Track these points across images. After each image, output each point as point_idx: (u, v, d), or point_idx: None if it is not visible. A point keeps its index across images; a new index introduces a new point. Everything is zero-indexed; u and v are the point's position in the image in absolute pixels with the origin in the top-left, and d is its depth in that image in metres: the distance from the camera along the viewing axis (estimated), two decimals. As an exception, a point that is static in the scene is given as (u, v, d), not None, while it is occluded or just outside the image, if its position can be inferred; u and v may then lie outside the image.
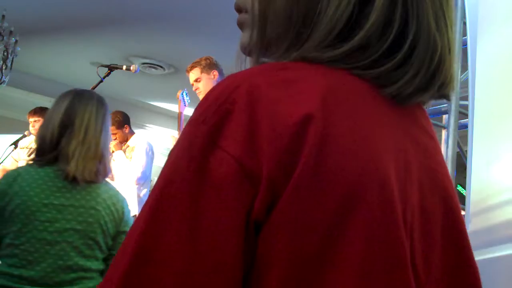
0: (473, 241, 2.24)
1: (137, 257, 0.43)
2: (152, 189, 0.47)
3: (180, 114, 3.46)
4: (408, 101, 0.54)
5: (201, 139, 0.45)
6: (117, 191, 1.86)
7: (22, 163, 4.32)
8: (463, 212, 2.66)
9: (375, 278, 0.46)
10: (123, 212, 1.81)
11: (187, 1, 4.53)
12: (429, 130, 0.59)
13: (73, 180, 1.70)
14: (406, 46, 0.51)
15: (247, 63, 0.61)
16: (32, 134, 4.38)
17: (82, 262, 1.69)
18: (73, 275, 1.67)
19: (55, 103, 1.82)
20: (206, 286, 0.43)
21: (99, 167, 1.76)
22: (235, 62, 0.62)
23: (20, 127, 4.91)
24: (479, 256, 2.30)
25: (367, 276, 0.45)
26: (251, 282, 0.45)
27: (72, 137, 1.72)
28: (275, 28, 0.54)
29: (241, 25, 0.61)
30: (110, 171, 1.84)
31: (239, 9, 0.61)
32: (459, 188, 3.24)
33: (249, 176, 0.44)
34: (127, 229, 1.81)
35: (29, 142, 4.42)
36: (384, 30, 0.51)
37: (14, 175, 1.69)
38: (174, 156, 0.47)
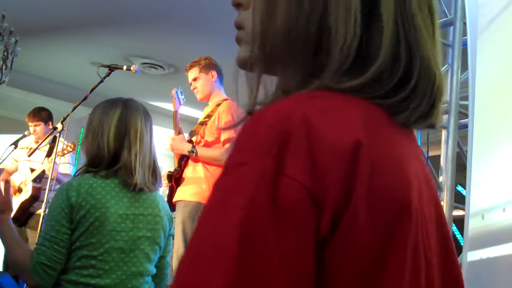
0: (473, 241, 2.25)
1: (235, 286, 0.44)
2: (223, 219, 0.47)
3: (175, 112, 3.46)
4: (411, 128, 0.60)
5: (269, 168, 0.47)
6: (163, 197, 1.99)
7: (22, 163, 4.32)
8: (462, 212, 2.65)
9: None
10: (171, 217, 1.93)
11: (187, 1, 4.53)
12: (417, 143, 0.64)
13: (138, 190, 1.78)
14: (413, 80, 0.56)
15: (248, 77, 0.64)
16: (33, 135, 4.38)
17: (149, 267, 1.79)
18: (141, 280, 1.76)
19: (102, 112, 1.83)
20: None
21: (154, 176, 1.84)
22: (232, 77, 0.65)
23: (20, 127, 4.91)
24: (479, 256, 2.30)
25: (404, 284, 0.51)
26: None
27: (130, 148, 1.78)
28: (276, 48, 0.58)
29: (239, 41, 0.64)
30: (161, 178, 1.92)
31: (238, 26, 0.64)
32: (459, 188, 3.24)
33: (315, 200, 0.47)
34: (173, 232, 1.96)
35: (29, 142, 4.42)
36: (393, 64, 0.56)
37: (85, 188, 1.70)
38: (243, 184, 0.47)
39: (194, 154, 3.22)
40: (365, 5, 0.56)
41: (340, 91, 0.54)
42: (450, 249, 0.63)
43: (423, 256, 0.54)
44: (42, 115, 4.39)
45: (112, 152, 1.76)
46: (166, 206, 1.92)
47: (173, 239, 2.00)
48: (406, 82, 0.56)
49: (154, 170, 1.84)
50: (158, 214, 1.82)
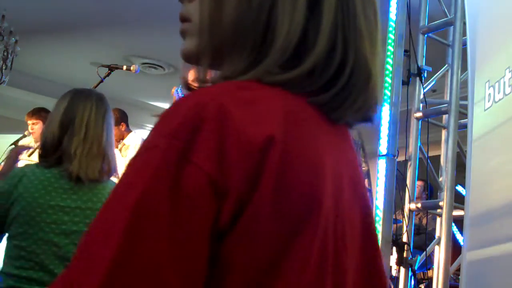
0: (472, 241, 2.23)
1: (116, 269, 0.44)
2: (121, 199, 0.47)
3: None
4: (342, 122, 0.61)
5: (175, 154, 0.47)
6: None
7: (22, 163, 4.32)
8: (462, 212, 2.65)
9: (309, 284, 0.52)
10: None
11: (187, 1, 4.52)
12: (350, 139, 0.65)
13: (78, 180, 1.70)
14: (345, 76, 0.57)
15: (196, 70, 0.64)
16: (31, 133, 4.38)
17: None
18: None
19: (56, 104, 1.82)
20: None
21: (103, 165, 1.76)
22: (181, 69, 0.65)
23: (20, 127, 4.90)
24: (479, 256, 2.29)
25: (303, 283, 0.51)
26: (211, 286, 0.48)
27: (73, 135, 1.72)
28: (225, 39, 0.58)
29: (184, 33, 0.63)
30: (116, 169, 1.83)
31: (183, 19, 0.63)
32: (459, 188, 3.23)
33: (218, 189, 0.47)
34: None
35: (29, 142, 4.41)
36: (327, 59, 0.57)
37: (19, 176, 1.68)
38: (147, 167, 0.48)
39: None
40: (309, 1, 0.57)
41: (271, 84, 0.55)
42: (375, 248, 0.65)
43: (333, 248, 0.55)
44: (42, 114, 4.39)
45: (56, 141, 1.72)
46: None
47: None
48: (340, 75, 0.57)
49: (104, 161, 1.76)
50: (100, 208, 1.74)
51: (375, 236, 0.65)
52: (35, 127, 4.37)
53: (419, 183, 3.71)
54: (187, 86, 0.61)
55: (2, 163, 4.27)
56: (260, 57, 0.56)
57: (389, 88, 2.94)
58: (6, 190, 1.67)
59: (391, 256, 2.85)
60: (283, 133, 0.51)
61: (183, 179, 0.46)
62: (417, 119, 3.17)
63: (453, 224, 2.96)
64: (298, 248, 0.50)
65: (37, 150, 1.81)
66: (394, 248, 2.85)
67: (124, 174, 0.49)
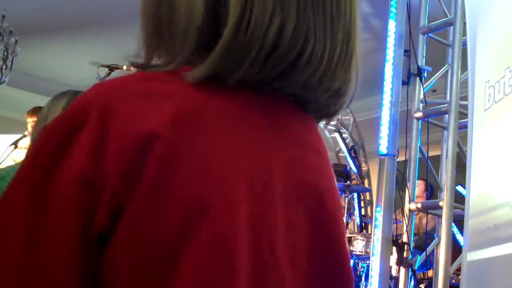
0: (472, 241, 2.23)
1: None
2: None
3: None
4: (264, 89, 0.53)
5: (50, 148, 0.47)
6: None
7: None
8: (462, 212, 2.64)
9: None
10: None
11: (187, 1, 4.52)
12: (314, 144, 0.60)
13: None
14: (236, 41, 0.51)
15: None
16: (30, 131, 4.39)
17: None
18: None
19: (51, 103, 1.85)
20: None
21: None
22: None
23: (20, 127, 4.91)
24: (479, 256, 2.29)
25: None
26: None
27: None
28: (141, 29, 0.58)
29: None
30: None
31: None
32: (459, 188, 3.23)
33: (92, 187, 0.45)
34: None
35: (29, 143, 4.42)
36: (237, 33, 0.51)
37: (2, 175, 1.71)
38: (24, 162, 0.48)
39: None
40: None
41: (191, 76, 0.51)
42: (335, 251, 0.60)
43: (241, 270, 0.49)
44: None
45: None
46: None
47: None
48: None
49: None
50: None
51: (333, 238, 0.59)
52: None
53: (419, 183, 3.71)
54: None
55: (2, 163, 4.27)
56: (175, 48, 0.54)
57: (389, 88, 2.94)
58: None
59: (391, 256, 2.85)
60: (173, 129, 0.47)
61: (55, 175, 0.46)
62: (417, 119, 3.17)
63: (453, 224, 2.96)
64: (187, 254, 0.46)
65: None
66: (394, 248, 2.85)
67: None
